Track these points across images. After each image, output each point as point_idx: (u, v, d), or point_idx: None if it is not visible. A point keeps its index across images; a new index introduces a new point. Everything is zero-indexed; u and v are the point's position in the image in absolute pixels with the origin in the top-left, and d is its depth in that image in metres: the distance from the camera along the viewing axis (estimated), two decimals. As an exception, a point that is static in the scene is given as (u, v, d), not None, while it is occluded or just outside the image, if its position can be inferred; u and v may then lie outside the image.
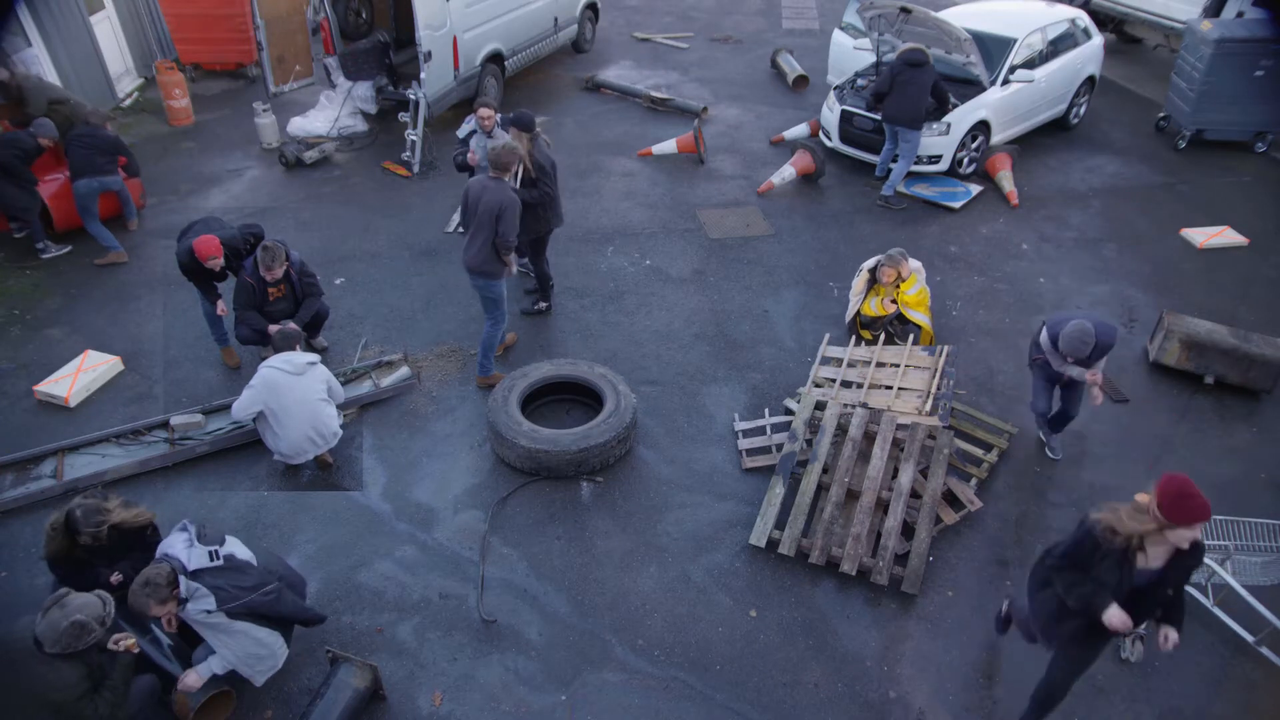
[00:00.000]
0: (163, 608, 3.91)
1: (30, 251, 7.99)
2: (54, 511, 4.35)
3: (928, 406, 6.08)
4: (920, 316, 6.90)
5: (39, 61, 8.87)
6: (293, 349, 5.67)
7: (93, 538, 4.24)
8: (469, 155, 7.23)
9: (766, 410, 6.48)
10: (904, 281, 6.92)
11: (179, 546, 4.10)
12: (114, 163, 7.94)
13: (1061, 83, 10.30)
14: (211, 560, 4.08)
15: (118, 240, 8.03)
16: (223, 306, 6.49)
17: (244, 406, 5.52)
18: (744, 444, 6.17)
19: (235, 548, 4.27)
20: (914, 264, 7.16)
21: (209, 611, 4.00)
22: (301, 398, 5.53)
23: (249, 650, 4.23)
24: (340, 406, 5.96)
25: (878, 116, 9.17)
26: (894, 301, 6.91)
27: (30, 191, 7.70)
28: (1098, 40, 10.68)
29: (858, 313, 7.09)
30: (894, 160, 9.25)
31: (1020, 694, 4.63)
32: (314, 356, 5.72)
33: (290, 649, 4.71)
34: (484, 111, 7.11)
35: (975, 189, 9.54)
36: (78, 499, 4.33)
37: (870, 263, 7.11)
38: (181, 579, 3.96)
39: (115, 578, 4.36)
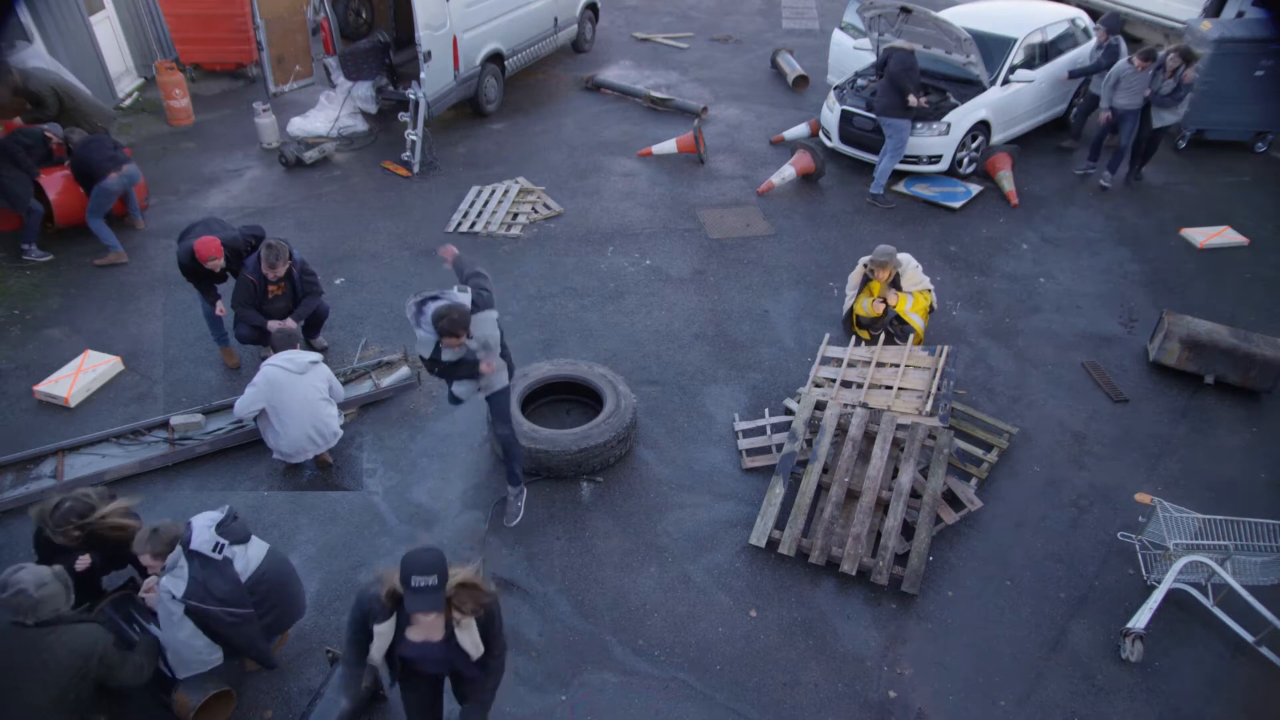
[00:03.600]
0: (153, 561, 4.03)
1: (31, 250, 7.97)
2: (51, 494, 4.39)
3: (928, 406, 6.09)
4: (917, 320, 6.89)
5: (39, 56, 8.85)
6: (293, 347, 5.72)
7: (63, 536, 4.25)
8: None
9: (766, 410, 6.48)
10: (902, 281, 6.91)
11: (202, 520, 4.14)
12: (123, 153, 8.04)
13: (1061, 82, 10.30)
14: (213, 552, 4.06)
15: (119, 240, 8.03)
16: (221, 307, 6.50)
17: (246, 404, 5.56)
18: (744, 444, 6.17)
19: (246, 555, 4.22)
20: (910, 261, 7.15)
21: (173, 596, 3.99)
22: (303, 396, 5.54)
23: (177, 648, 4.11)
24: (340, 406, 5.96)
25: (878, 117, 9.18)
26: (883, 302, 6.89)
27: (26, 181, 7.62)
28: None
29: (853, 310, 7.09)
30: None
31: (1019, 693, 4.64)
32: (316, 355, 5.73)
33: (290, 650, 4.73)
34: (451, 341, 4.85)
35: (975, 189, 9.54)
36: (79, 492, 4.33)
37: (865, 259, 7.12)
38: (178, 548, 4.01)
39: (83, 562, 4.35)
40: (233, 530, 4.19)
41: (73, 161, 7.80)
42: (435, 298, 4.78)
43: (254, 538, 4.33)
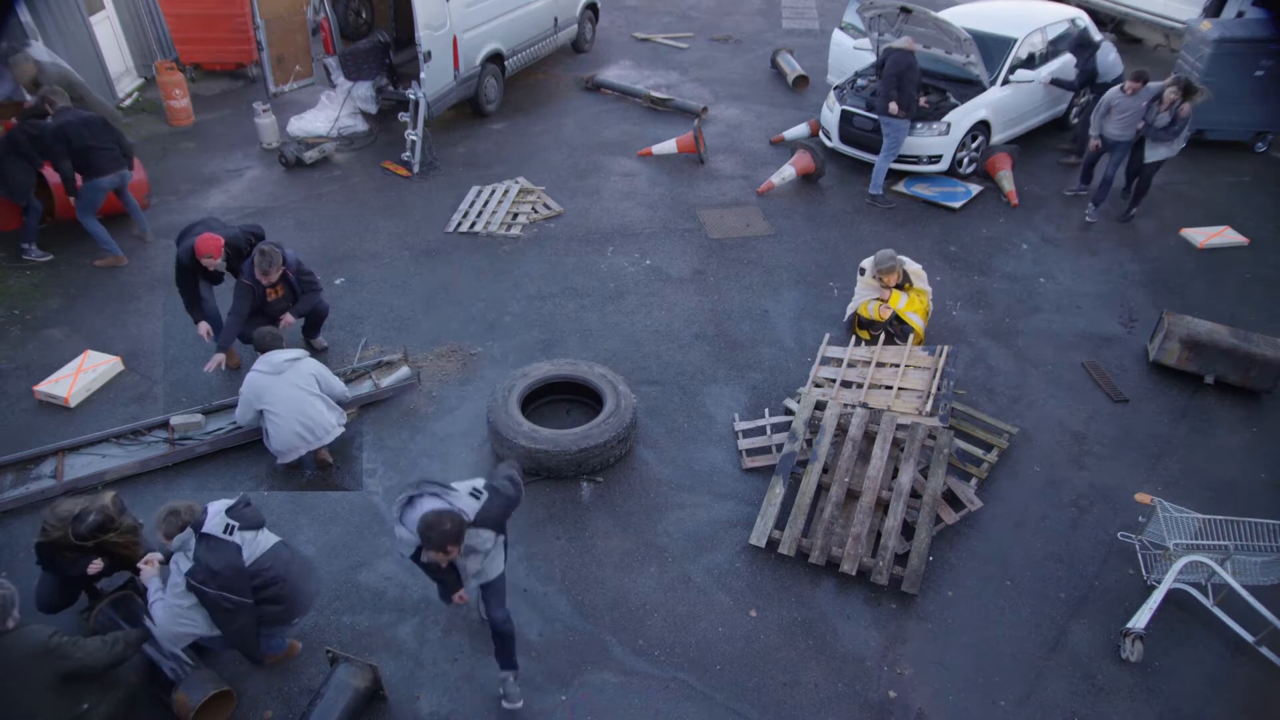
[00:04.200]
0: (165, 539, 4.11)
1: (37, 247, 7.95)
2: (61, 501, 4.45)
3: (928, 406, 6.08)
4: (917, 320, 6.89)
5: (39, 53, 8.84)
6: (277, 348, 5.73)
7: (80, 542, 4.32)
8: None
9: (766, 410, 6.48)
10: (909, 285, 6.91)
11: (218, 505, 4.21)
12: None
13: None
14: (224, 533, 4.11)
15: (118, 241, 7.99)
16: (206, 328, 6.49)
17: (241, 414, 5.72)
18: (744, 444, 6.17)
19: (255, 541, 4.24)
20: (914, 267, 7.16)
21: (180, 570, 4.06)
22: (284, 395, 5.57)
23: (174, 619, 4.12)
24: (341, 405, 5.96)
25: (877, 116, 9.17)
26: (889, 307, 6.87)
27: (30, 172, 7.52)
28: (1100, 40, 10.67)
29: (856, 311, 7.08)
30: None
31: (1019, 693, 4.64)
32: (297, 353, 5.73)
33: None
34: (437, 555, 3.86)
35: (975, 189, 9.54)
36: (98, 505, 4.38)
37: (867, 263, 7.11)
38: (189, 530, 4.08)
39: (95, 566, 4.45)
40: (244, 515, 4.24)
41: (58, 131, 7.29)
42: (435, 492, 4.01)
43: (265, 529, 4.35)
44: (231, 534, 4.14)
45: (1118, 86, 8.63)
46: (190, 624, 4.14)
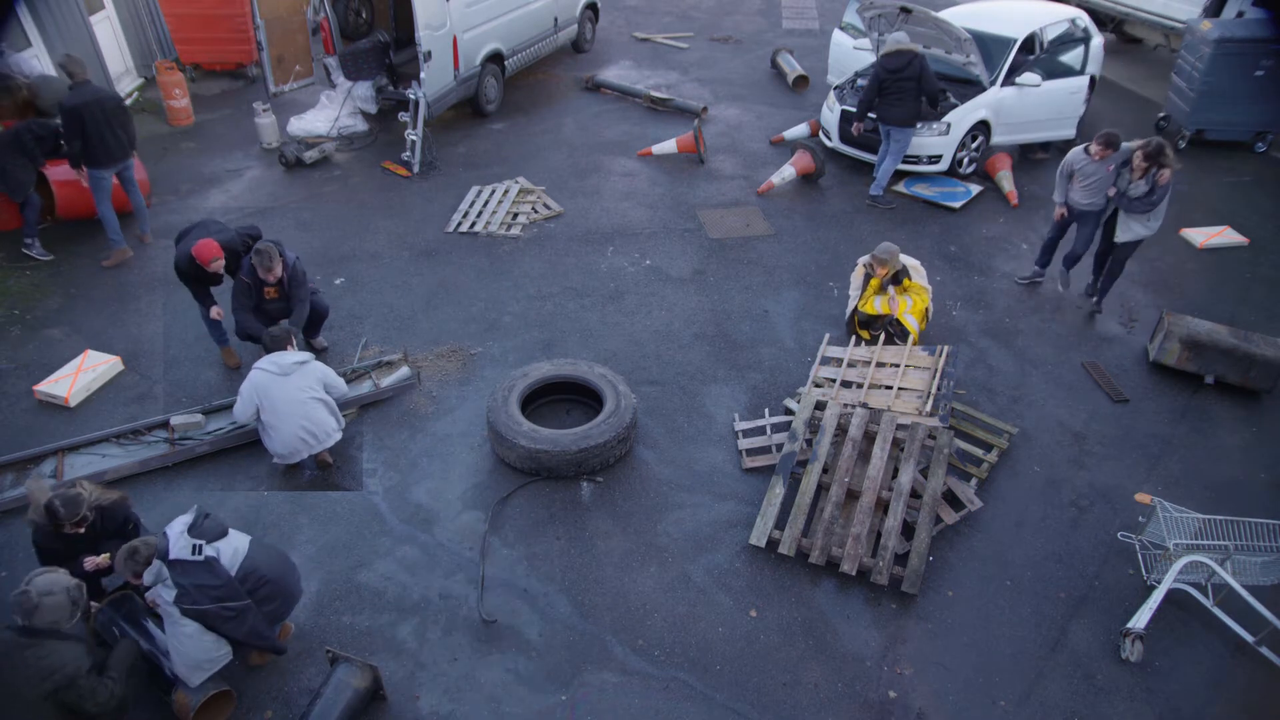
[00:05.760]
0: (135, 580, 4.11)
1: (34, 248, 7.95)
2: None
3: (928, 406, 6.09)
4: (912, 322, 6.88)
5: (37, 61, 8.85)
6: (284, 349, 5.72)
7: (75, 525, 4.34)
8: None
9: (766, 410, 6.48)
10: (907, 279, 6.91)
11: (176, 528, 4.14)
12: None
13: (1062, 92, 10.14)
14: (193, 554, 4.05)
15: (124, 235, 7.96)
16: (217, 310, 6.49)
17: (241, 411, 5.64)
18: (744, 444, 6.17)
19: (230, 545, 4.22)
20: (912, 261, 7.16)
21: (169, 602, 4.05)
22: (289, 397, 5.55)
23: (187, 650, 4.13)
24: (341, 406, 5.96)
25: (875, 116, 9.16)
26: (891, 288, 6.85)
27: (31, 170, 7.56)
28: (1097, 40, 10.67)
29: (855, 310, 7.08)
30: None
31: (1019, 693, 4.64)
32: (304, 355, 5.72)
33: (290, 650, 4.73)
34: None
35: (975, 189, 9.54)
36: (53, 494, 4.37)
37: (865, 259, 7.12)
38: (156, 562, 4.04)
39: (91, 562, 4.47)
40: (205, 529, 4.18)
41: (73, 112, 7.18)
42: None
43: (233, 531, 4.32)
44: (200, 553, 4.07)
45: (1081, 148, 7.12)
46: (209, 650, 4.14)
